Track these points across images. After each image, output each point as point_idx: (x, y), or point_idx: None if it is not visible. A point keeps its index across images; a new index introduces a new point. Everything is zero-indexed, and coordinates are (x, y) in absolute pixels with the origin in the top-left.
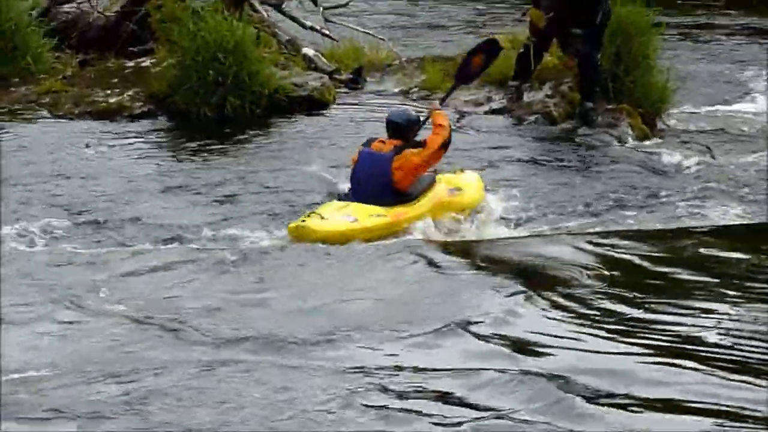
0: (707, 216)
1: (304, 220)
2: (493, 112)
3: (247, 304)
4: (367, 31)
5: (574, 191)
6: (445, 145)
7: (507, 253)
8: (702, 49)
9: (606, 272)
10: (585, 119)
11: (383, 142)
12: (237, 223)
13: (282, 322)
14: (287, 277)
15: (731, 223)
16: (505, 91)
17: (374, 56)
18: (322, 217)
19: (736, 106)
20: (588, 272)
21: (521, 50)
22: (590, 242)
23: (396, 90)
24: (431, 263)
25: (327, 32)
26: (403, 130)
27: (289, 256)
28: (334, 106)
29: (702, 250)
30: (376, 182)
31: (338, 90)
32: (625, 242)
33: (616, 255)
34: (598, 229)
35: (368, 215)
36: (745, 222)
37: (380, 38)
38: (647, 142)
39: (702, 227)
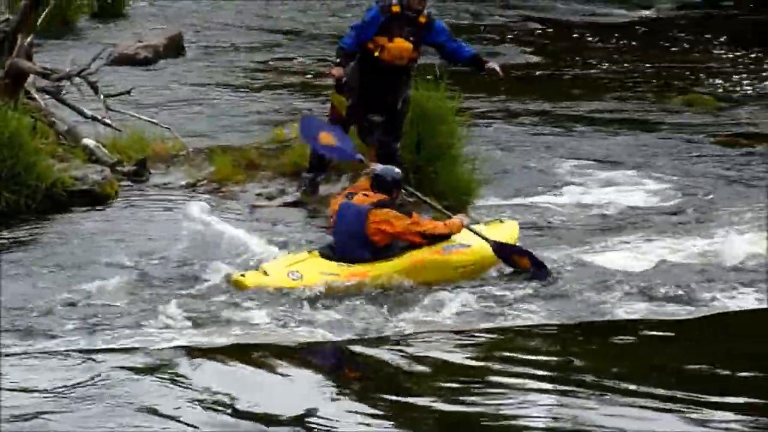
0: (515, 316)
1: (243, 275)
2: (287, 205)
3: None
4: (151, 119)
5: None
6: (427, 238)
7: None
8: (498, 136)
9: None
10: None
11: (366, 194)
12: None
13: None
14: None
15: (539, 323)
16: (299, 183)
17: (159, 146)
18: (266, 273)
19: (544, 198)
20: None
21: None
22: (382, 347)
23: (183, 183)
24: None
25: (109, 121)
26: (386, 185)
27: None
28: (117, 200)
29: (504, 352)
30: (352, 235)
31: (121, 183)
32: (423, 344)
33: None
34: (395, 331)
35: (318, 273)
36: (554, 322)
37: (165, 127)
38: None
39: (511, 328)
